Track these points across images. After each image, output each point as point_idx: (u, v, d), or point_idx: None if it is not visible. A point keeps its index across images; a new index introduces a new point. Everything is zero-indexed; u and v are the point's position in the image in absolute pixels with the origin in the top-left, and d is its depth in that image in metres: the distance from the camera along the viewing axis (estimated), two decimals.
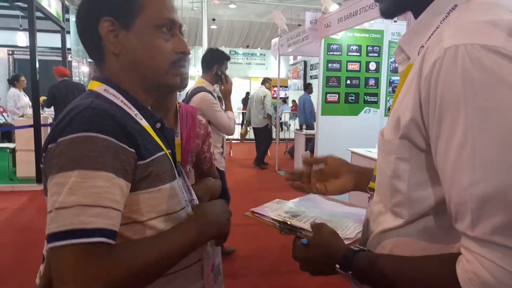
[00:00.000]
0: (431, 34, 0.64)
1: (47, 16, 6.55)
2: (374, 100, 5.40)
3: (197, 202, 0.96)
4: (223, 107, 2.79)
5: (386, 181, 0.69)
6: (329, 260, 0.74)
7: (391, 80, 5.42)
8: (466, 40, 0.54)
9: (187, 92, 2.86)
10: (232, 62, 3.11)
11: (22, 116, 6.57)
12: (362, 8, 4.04)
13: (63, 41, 7.81)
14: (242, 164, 8.01)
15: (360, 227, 0.88)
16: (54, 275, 0.62)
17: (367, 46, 5.31)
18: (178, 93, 1.60)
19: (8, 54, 12.15)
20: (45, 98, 6.19)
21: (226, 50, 14.75)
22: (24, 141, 5.69)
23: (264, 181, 6.60)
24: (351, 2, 4.31)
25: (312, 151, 5.39)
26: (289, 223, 0.86)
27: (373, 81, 5.38)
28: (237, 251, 3.43)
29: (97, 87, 0.79)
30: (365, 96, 5.38)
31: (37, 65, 5.46)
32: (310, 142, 6.55)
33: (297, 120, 12.25)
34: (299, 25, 7.99)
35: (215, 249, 1.00)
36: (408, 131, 0.63)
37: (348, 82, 5.32)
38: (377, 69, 5.37)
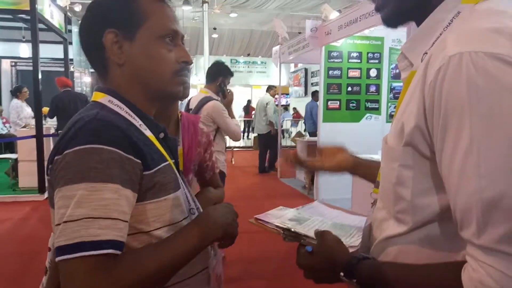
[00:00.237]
0: (434, 41, 0.64)
1: (50, 28, 6.61)
2: (376, 106, 5.40)
3: (201, 211, 0.96)
4: None
5: (390, 188, 0.69)
6: (333, 267, 0.73)
7: (392, 87, 5.42)
8: (471, 47, 0.54)
9: (188, 101, 2.95)
10: (234, 71, 3.14)
11: (24, 126, 6.60)
12: (362, 15, 4.06)
13: (66, 52, 7.87)
14: (244, 172, 8.01)
15: None
16: None
17: (368, 52, 5.33)
18: (179, 102, 1.61)
19: (11, 66, 12.24)
20: (48, 109, 6.23)
21: (227, 59, 14.86)
22: (26, 151, 5.70)
23: (267, 188, 6.59)
24: (351, 10, 4.33)
25: None
26: (293, 230, 0.86)
27: (374, 88, 5.39)
28: (241, 257, 3.41)
29: (101, 98, 0.80)
30: (366, 103, 5.38)
31: (40, 76, 5.48)
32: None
33: (298, 128, 12.25)
34: (300, 33, 8.03)
35: (218, 257, 0.99)
36: (412, 138, 0.62)
37: (349, 89, 5.33)
38: (378, 76, 5.38)
